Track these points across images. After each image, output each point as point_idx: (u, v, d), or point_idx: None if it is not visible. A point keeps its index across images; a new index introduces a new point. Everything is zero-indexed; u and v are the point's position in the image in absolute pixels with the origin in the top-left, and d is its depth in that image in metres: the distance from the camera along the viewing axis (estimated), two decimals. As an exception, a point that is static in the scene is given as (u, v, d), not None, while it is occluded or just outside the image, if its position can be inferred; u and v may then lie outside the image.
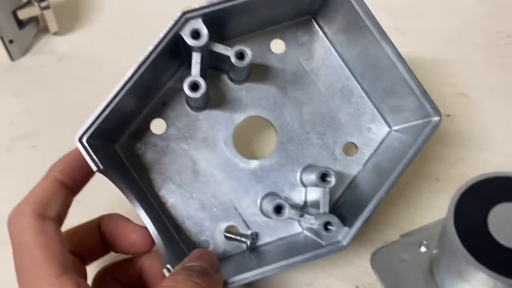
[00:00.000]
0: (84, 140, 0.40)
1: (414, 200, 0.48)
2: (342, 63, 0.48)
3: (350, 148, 0.48)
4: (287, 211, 0.42)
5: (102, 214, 0.44)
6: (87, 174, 0.42)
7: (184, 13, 0.40)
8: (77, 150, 0.41)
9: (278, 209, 0.42)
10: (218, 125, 0.47)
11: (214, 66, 0.47)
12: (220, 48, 0.42)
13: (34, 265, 0.35)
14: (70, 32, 0.70)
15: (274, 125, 0.47)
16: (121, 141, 0.46)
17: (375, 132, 0.48)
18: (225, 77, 0.47)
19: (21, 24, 0.66)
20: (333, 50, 0.48)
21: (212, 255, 0.41)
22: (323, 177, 0.43)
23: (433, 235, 0.39)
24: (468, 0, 0.65)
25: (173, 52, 0.43)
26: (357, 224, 0.41)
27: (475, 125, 0.53)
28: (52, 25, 0.67)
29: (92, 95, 0.61)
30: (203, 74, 0.42)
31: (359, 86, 0.48)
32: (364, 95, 0.48)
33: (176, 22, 0.41)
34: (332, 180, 0.43)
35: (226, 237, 0.45)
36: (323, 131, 0.48)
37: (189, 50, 0.42)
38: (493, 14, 0.62)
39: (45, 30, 0.69)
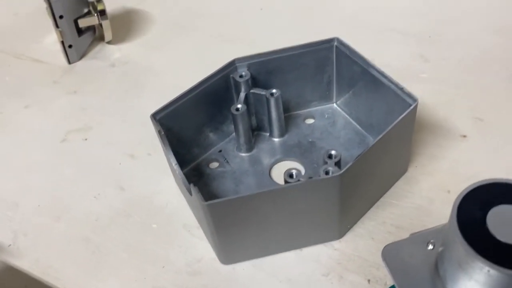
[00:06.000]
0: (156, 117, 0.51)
1: (426, 209, 0.52)
2: (359, 127, 0.59)
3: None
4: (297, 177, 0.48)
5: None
6: None
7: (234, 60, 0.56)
8: None
9: (291, 175, 0.48)
10: (259, 163, 0.58)
11: (259, 128, 0.60)
12: (259, 90, 0.57)
13: None
14: (123, 41, 0.77)
15: (302, 163, 0.57)
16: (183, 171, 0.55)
17: None
18: (267, 135, 0.60)
19: (80, 31, 0.74)
20: (351, 120, 0.60)
21: None
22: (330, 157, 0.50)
23: (440, 236, 0.43)
24: (489, 32, 0.70)
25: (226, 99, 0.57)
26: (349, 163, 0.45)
27: (490, 147, 0.57)
28: (108, 34, 0.74)
29: (139, 99, 0.68)
30: (248, 132, 0.57)
31: (373, 139, 0.56)
32: None
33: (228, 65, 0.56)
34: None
35: None
36: None
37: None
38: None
39: (100, 38, 0.77)
